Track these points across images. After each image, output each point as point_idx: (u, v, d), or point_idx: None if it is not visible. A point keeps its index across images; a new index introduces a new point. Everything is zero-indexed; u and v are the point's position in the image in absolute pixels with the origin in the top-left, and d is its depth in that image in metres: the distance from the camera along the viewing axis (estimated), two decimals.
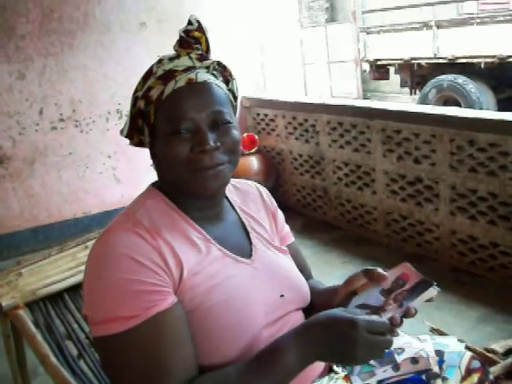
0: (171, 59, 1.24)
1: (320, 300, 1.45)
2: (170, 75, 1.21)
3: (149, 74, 1.25)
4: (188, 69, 1.23)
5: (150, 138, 1.26)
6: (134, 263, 1.10)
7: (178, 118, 1.18)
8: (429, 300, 1.20)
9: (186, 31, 1.27)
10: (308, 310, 1.43)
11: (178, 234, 1.21)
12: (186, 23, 1.29)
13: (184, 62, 1.24)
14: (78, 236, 2.89)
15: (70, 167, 5.06)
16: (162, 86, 1.21)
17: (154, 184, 1.33)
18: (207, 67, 1.26)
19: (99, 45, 5.05)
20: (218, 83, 1.25)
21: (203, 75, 1.23)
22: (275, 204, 1.55)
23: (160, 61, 1.25)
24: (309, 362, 1.13)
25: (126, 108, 5.20)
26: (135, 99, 1.26)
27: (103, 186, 5.26)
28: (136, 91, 1.26)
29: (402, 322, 1.17)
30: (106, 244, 1.15)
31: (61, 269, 2.40)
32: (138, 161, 5.12)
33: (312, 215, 5.08)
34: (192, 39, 1.27)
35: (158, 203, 1.25)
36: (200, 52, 1.27)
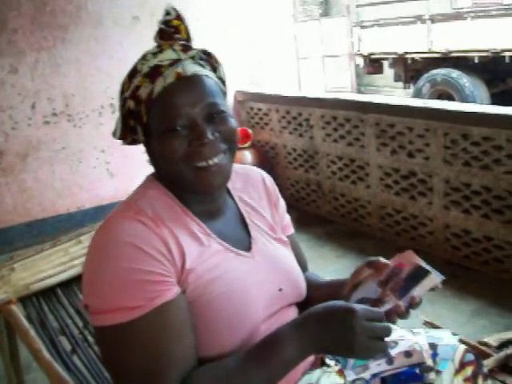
0: (154, 54, 1.22)
1: (321, 293, 1.44)
2: (156, 71, 1.19)
3: (134, 72, 1.22)
4: (174, 62, 1.20)
5: (144, 137, 1.24)
6: (138, 252, 1.08)
7: (171, 115, 1.16)
8: (433, 289, 1.20)
9: (165, 22, 1.25)
10: (303, 304, 1.42)
11: (180, 225, 1.20)
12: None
13: (168, 55, 1.21)
14: (72, 231, 2.88)
15: (63, 162, 5.05)
16: (150, 84, 1.19)
17: (153, 174, 1.31)
18: (192, 57, 1.24)
19: (92, 39, 5.03)
20: (206, 73, 1.23)
21: (190, 67, 1.21)
22: (278, 192, 1.55)
23: (143, 57, 1.23)
24: (307, 354, 1.12)
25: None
26: (124, 100, 1.23)
27: (97, 181, 5.24)
28: (123, 91, 1.24)
29: (408, 312, 1.17)
30: (108, 232, 1.13)
31: (53, 264, 2.39)
32: (132, 155, 5.07)
33: (306, 209, 5.08)
34: (172, 28, 1.25)
35: (158, 194, 1.24)
36: (183, 42, 1.25)
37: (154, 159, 1.26)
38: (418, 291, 1.17)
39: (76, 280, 2.31)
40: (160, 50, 1.22)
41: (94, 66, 5.07)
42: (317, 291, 1.46)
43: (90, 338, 2.09)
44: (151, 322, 1.06)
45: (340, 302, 1.11)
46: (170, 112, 1.16)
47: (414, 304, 1.17)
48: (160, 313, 1.07)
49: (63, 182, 5.08)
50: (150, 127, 1.21)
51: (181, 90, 1.17)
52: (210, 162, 1.19)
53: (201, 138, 1.16)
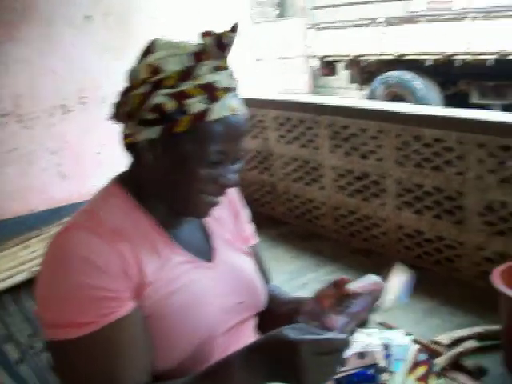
0: (215, 69, 1.13)
1: (283, 310, 1.40)
2: (213, 92, 1.10)
3: (187, 73, 1.11)
4: (228, 89, 1.13)
5: (153, 136, 1.12)
6: (94, 268, 1.05)
7: (215, 150, 1.12)
8: (376, 308, 1.19)
9: (231, 38, 1.15)
10: (265, 317, 1.41)
11: (140, 238, 1.16)
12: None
13: (225, 78, 1.14)
14: (23, 234, 2.82)
15: (14, 164, 4.93)
16: (206, 101, 1.10)
17: (118, 177, 1.24)
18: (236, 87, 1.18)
19: (43, 38, 4.92)
20: (245, 112, 1.18)
21: (240, 104, 1.15)
22: (241, 202, 1.50)
23: (202, 61, 1.12)
24: (258, 382, 1.09)
25: (71, 103, 5.11)
26: (153, 89, 1.10)
27: (48, 183, 5.13)
28: (161, 82, 1.11)
29: (354, 330, 1.17)
30: (65, 244, 1.09)
31: (0, 269, 2.33)
32: (85, 156, 5.01)
33: (260, 211, 5.06)
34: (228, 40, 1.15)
35: (121, 202, 1.19)
36: (232, 69, 1.19)
37: (148, 163, 1.16)
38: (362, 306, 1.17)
39: (24, 286, 2.25)
40: (219, 67, 1.14)
41: (44, 66, 4.96)
42: (280, 308, 1.43)
43: (37, 346, 2.05)
44: (104, 338, 1.04)
45: (287, 335, 1.05)
46: (215, 146, 1.11)
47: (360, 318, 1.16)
48: (113, 329, 1.05)
49: (13, 185, 4.96)
50: (176, 140, 1.12)
51: (231, 127, 1.12)
52: (219, 200, 1.20)
53: (230, 181, 1.17)
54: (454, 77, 8.73)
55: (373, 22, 9.36)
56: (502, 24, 7.67)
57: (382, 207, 3.93)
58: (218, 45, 1.13)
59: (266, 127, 4.82)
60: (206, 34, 1.13)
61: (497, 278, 2.61)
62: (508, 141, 3.18)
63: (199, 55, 1.12)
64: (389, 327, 2.86)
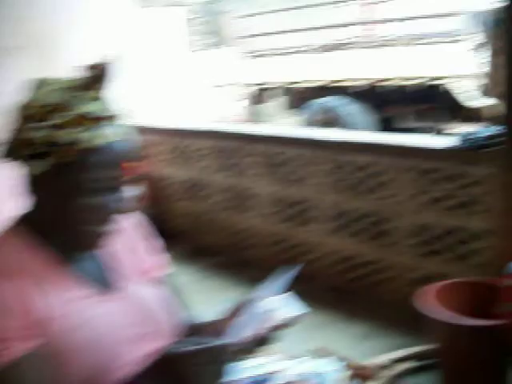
0: (89, 100, 1.15)
1: (203, 334, 1.40)
2: (85, 122, 1.12)
3: (60, 106, 1.12)
4: (102, 118, 1.14)
5: (35, 172, 1.14)
6: None
7: (93, 178, 1.13)
8: (294, 321, 1.20)
9: (104, 71, 1.17)
10: None
11: (33, 277, 1.13)
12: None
13: (100, 108, 1.15)
14: None
15: None
16: (77, 132, 1.11)
17: (20, 218, 1.23)
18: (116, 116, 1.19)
19: None
20: (123, 139, 1.19)
21: (116, 131, 1.16)
22: (148, 232, 1.49)
23: (74, 94, 1.14)
24: None
25: None
26: (26, 124, 1.12)
27: None
28: (31, 116, 1.12)
29: (268, 340, 1.17)
30: None
31: None
32: None
33: (195, 241, 5.03)
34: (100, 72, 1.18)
35: (18, 241, 1.17)
36: (108, 99, 1.20)
37: (45, 198, 1.17)
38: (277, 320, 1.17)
39: None
40: (93, 97, 1.16)
41: None
42: (199, 333, 1.42)
43: None
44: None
45: (169, 352, 1.08)
46: (92, 174, 1.13)
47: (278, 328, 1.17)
48: (8, 371, 1.02)
49: None
50: (56, 172, 1.12)
51: (107, 155, 1.14)
52: (107, 229, 1.21)
53: (115, 209, 1.19)
54: (382, 102, 8.95)
55: (306, 49, 9.52)
56: (423, 50, 7.95)
57: (314, 233, 3.97)
58: (92, 77, 1.16)
59: (201, 156, 4.83)
60: (84, 68, 1.17)
61: (419, 299, 2.65)
62: (433, 163, 3.28)
63: (75, 88, 1.15)
64: (323, 353, 2.86)
